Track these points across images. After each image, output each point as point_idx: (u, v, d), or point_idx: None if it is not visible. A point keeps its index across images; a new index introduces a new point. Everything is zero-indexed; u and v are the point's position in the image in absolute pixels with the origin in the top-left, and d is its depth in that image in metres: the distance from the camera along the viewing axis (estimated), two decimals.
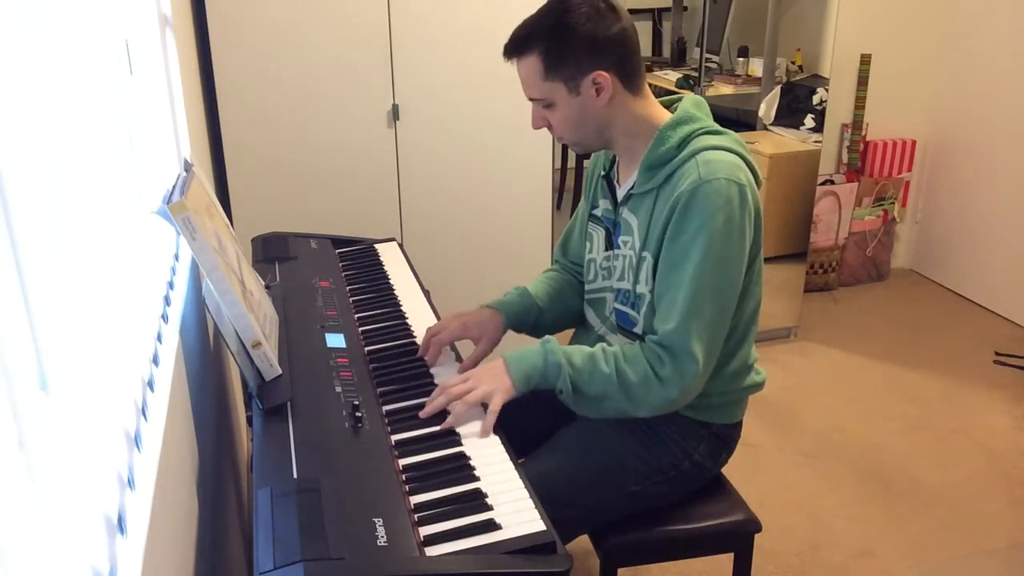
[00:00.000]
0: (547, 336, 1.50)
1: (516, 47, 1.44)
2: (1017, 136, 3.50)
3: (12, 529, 0.61)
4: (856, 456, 2.69)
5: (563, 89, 1.43)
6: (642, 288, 1.50)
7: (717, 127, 1.48)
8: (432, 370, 1.51)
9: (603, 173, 1.62)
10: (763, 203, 1.47)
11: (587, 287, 1.67)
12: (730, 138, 1.46)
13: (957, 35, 3.74)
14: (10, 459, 0.64)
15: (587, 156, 1.71)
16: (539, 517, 1.12)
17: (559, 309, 1.73)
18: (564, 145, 4.82)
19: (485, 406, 1.38)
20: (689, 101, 1.51)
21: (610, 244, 1.59)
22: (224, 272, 1.30)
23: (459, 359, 1.56)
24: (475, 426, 1.34)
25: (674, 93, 1.58)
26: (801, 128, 3.39)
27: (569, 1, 1.40)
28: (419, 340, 1.60)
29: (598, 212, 1.63)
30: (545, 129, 1.52)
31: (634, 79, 1.46)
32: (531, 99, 1.48)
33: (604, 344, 1.49)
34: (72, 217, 0.93)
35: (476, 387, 1.39)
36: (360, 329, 1.64)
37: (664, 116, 1.49)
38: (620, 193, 1.57)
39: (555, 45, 1.40)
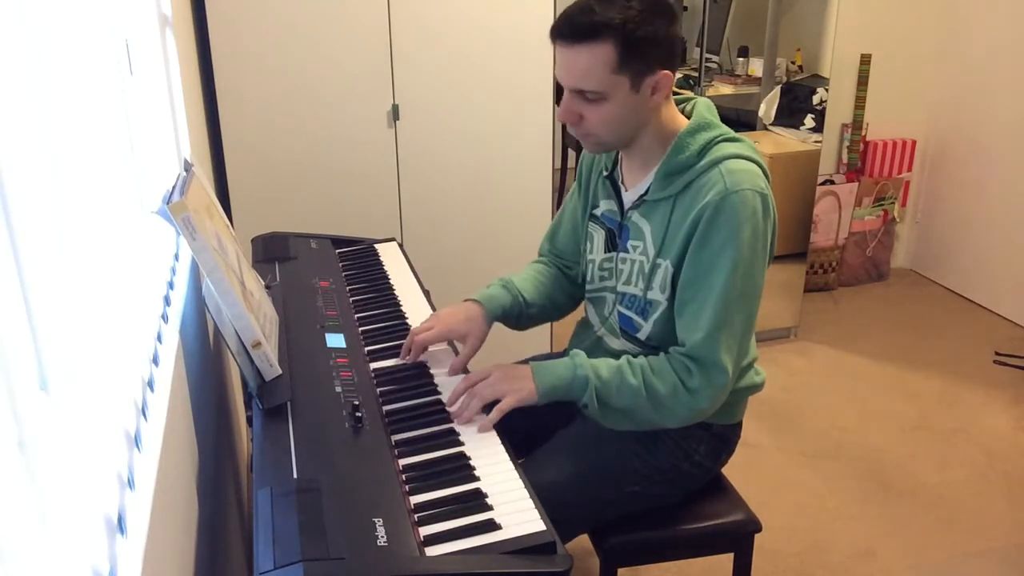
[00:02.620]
0: (575, 350, 1.49)
1: (585, 32, 1.33)
2: (1017, 136, 3.50)
3: (12, 529, 0.61)
4: (856, 456, 2.69)
5: (627, 85, 1.37)
6: (655, 295, 1.49)
7: (733, 133, 1.47)
8: (432, 370, 1.51)
9: (605, 173, 1.61)
10: None
11: (587, 286, 1.66)
12: (747, 145, 1.46)
13: (957, 35, 3.74)
14: (10, 459, 0.64)
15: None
16: (539, 517, 1.12)
17: (543, 302, 1.71)
18: (564, 145, 4.82)
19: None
20: (702, 105, 1.50)
21: (612, 246, 1.59)
22: (224, 272, 1.30)
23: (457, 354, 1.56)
24: (475, 427, 1.34)
25: (677, 93, 1.57)
26: (801, 128, 3.39)
27: None
28: None
29: (598, 212, 1.62)
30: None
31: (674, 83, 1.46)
32: (581, 90, 1.38)
33: (629, 356, 1.48)
34: (72, 217, 0.93)
35: (496, 385, 1.39)
36: (360, 329, 1.64)
37: (682, 121, 1.48)
38: (629, 197, 1.54)
39: (637, 38, 1.33)
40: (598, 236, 1.61)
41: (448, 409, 1.38)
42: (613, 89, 1.37)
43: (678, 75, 3.67)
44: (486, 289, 1.66)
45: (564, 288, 1.75)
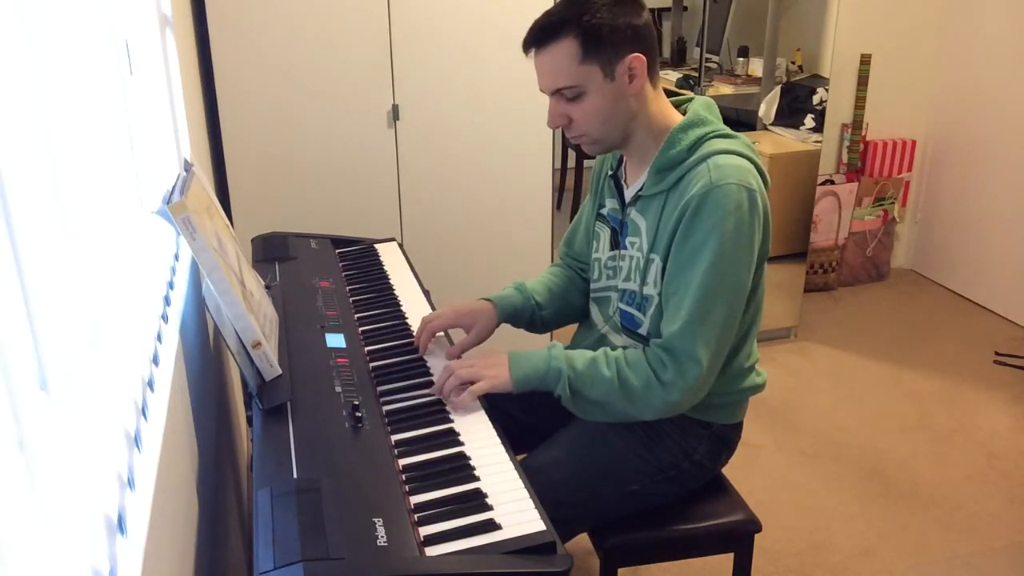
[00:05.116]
0: (554, 342, 1.50)
1: (547, 33, 1.40)
2: (1017, 136, 3.50)
3: (12, 529, 0.61)
4: (856, 456, 2.69)
5: (599, 74, 1.40)
6: (650, 290, 1.50)
7: (728, 130, 1.48)
8: (431, 369, 1.51)
9: (610, 172, 1.62)
10: None
11: (592, 286, 1.67)
12: (740, 142, 1.46)
13: (957, 35, 3.74)
14: (10, 459, 0.64)
15: (590, 157, 1.70)
16: (539, 517, 1.12)
17: (558, 305, 1.73)
18: (564, 145, 4.82)
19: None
20: (699, 103, 1.51)
21: (615, 244, 1.59)
22: (224, 272, 1.30)
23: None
24: (475, 427, 1.34)
25: (678, 94, 1.58)
26: (801, 128, 3.39)
27: None
28: None
29: (605, 211, 1.63)
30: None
31: (655, 72, 1.46)
32: (557, 91, 1.43)
33: (607, 348, 1.48)
34: (72, 217, 0.93)
35: (473, 367, 1.42)
36: (360, 329, 1.64)
37: (675, 117, 1.49)
38: (628, 194, 1.56)
39: (593, 26, 1.38)
40: (604, 235, 1.62)
41: (431, 391, 1.42)
42: (587, 80, 1.41)
43: (678, 75, 3.68)
44: (500, 291, 1.71)
45: (580, 289, 1.76)
